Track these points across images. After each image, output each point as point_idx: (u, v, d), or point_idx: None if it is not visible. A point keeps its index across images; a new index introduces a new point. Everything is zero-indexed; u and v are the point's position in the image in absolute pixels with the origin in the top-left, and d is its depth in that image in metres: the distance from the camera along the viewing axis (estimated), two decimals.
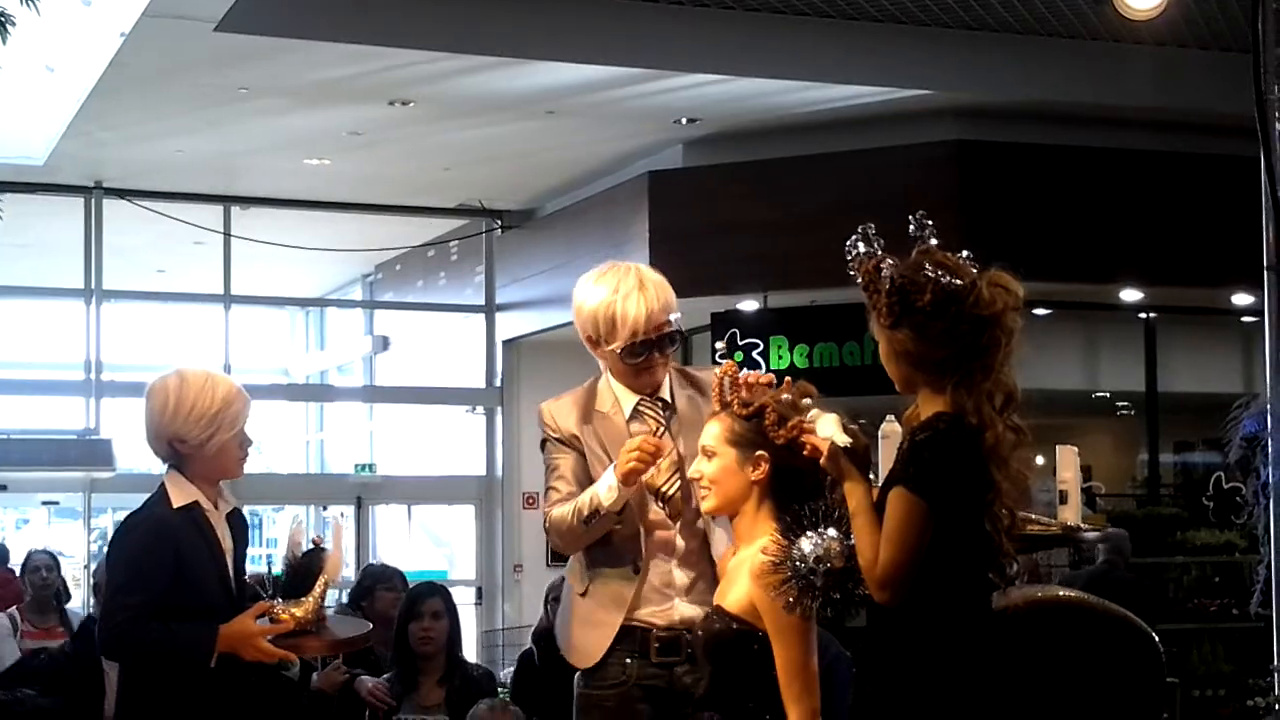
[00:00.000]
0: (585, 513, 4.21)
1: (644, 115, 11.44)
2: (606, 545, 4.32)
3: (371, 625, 5.01)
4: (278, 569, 4.50)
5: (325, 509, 14.84)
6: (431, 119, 11.52)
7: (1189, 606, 11.67)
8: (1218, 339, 13.16)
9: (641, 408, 4.38)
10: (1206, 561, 11.94)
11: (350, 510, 14.35)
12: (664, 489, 4.26)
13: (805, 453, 3.70)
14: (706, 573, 4.30)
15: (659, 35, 10.24)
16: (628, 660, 4.29)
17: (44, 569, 8.12)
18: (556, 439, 4.39)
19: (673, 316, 4.36)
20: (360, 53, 9.96)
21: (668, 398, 4.41)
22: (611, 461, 4.24)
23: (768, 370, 11.81)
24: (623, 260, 4.49)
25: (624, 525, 4.29)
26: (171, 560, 4.20)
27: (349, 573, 10.42)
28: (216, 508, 4.37)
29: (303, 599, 4.29)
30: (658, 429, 4.34)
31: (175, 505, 4.30)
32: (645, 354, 4.32)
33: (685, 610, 4.29)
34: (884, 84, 10.87)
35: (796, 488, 3.75)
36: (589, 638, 4.34)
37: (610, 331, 4.31)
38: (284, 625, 4.24)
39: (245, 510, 4.63)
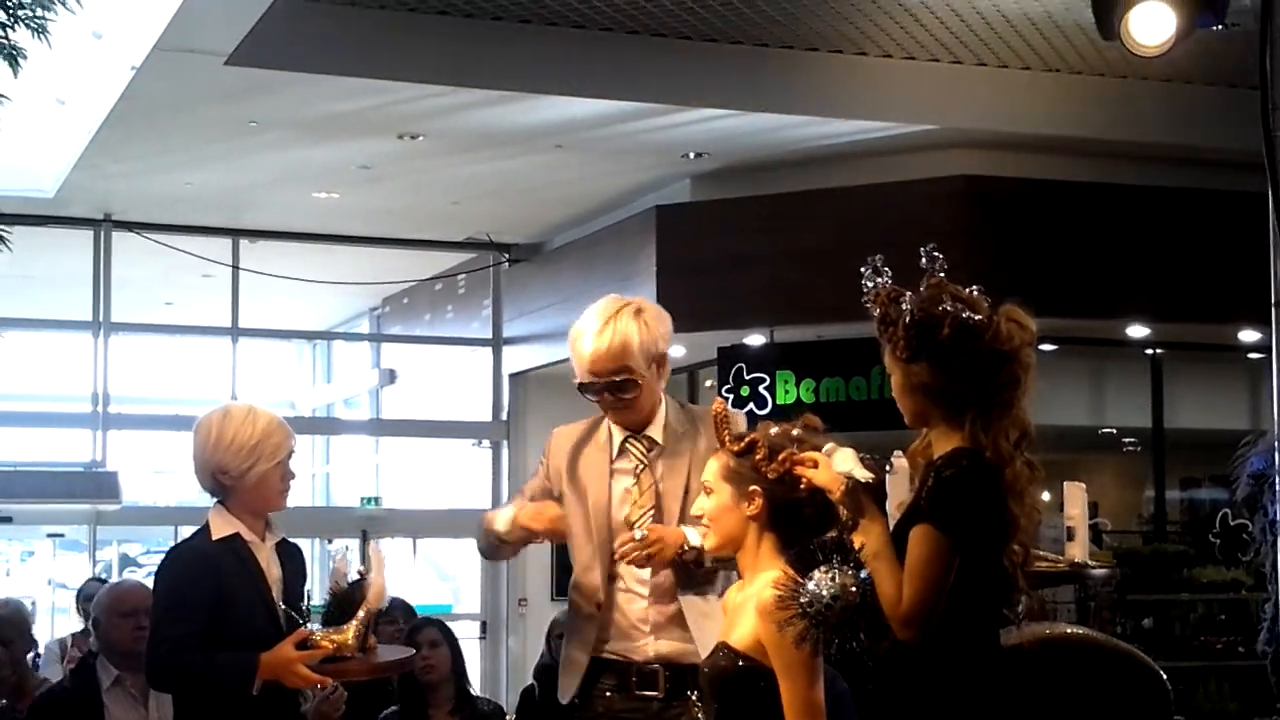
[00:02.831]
0: (484, 529, 4.52)
1: (652, 149, 11.47)
2: (576, 588, 4.46)
3: (415, 651, 5.07)
4: (316, 599, 4.58)
5: (331, 542, 14.83)
6: (440, 153, 11.55)
7: (1195, 644, 11.62)
8: (1225, 375, 13.14)
9: (628, 445, 4.47)
10: (1213, 599, 11.89)
11: (355, 544, 14.33)
12: (638, 524, 4.35)
13: (803, 485, 3.70)
14: (679, 611, 4.38)
15: (667, 70, 10.27)
16: (609, 694, 4.39)
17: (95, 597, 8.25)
18: (543, 462, 4.59)
19: (629, 363, 4.38)
20: (369, 87, 10.00)
21: (656, 435, 4.46)
22: (585, 496, 4.42)
23: (773, 405, 11.90)
24: (629, 295, 4.54)
25: (587, 567, 4.42)
26: (212, 591, 4.31)
27: None
28: (263, 540, 4.49)
29: (343, 626, 4.38)
30: (637, 466, 4.42)
31: (215, 537, 4.42)
32: (595, 395, 4.43)
33: (660, 647, 4.38)
34: (893, 119, 10.90)
35: (796, 521, 3.74)
36: (566, 677, 4.47)
37: (576, 370, 4.45)
38: (323, 651, 4.31)
39: None
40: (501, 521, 4.44)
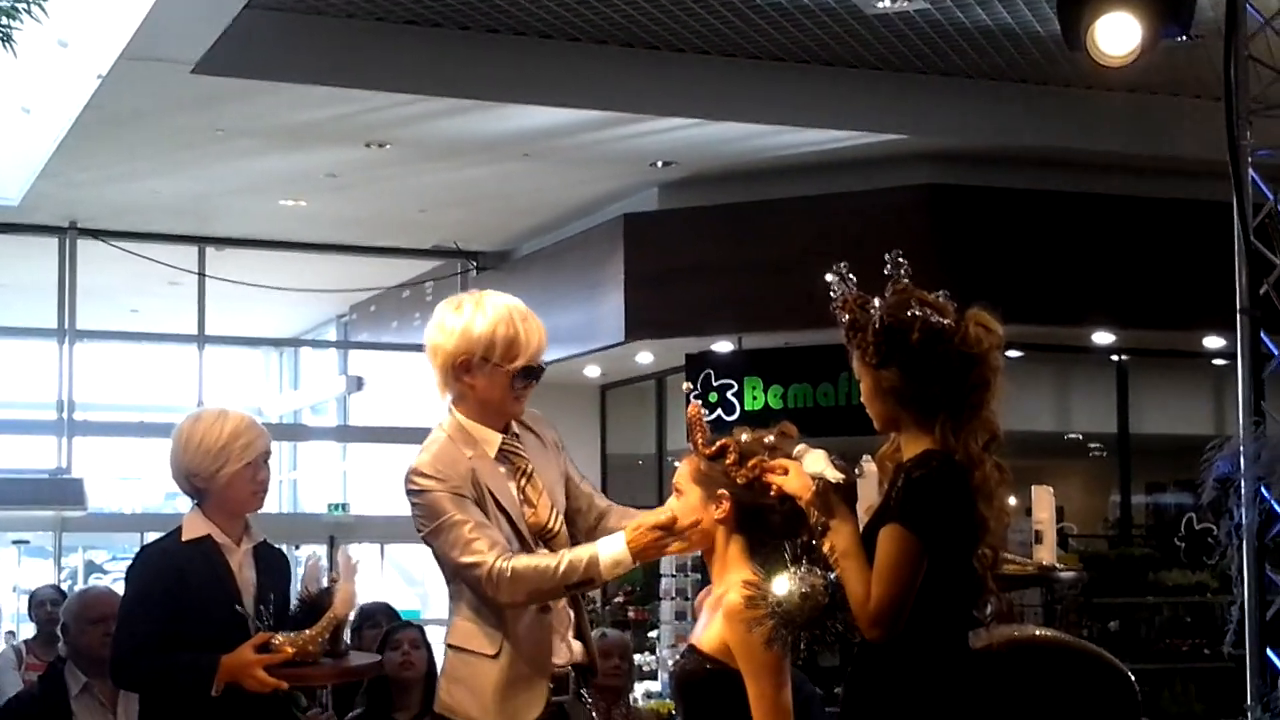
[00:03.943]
0: (575, 579, 4.02)
1: (620, 158, 11.49)
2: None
3: (380, 657, 5.05)
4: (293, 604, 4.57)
5: (299, 548, 14.80)
6: (408, 161, 11.55)
7: (1161, 647, 11.70)
8: (1189, 381, 13.23)
9: (506, 447, 4.25)
10: (1178, 602, 11.97)
11: (324, 550, 14.32)
12: (550, 526, 4.25)
13: (773, 492, 3.72)
14: (579, 612, 4.33)
15: (635, 79, 10.29)
16: None
17: (49, 604, 8.23)
18: (453, 490, 4.11)
19: None
20: (337, 95, 9.99)
21: (518, 433, 4.33)
22: (502, 506, 4.15)
23: (741, 411, 11.93)
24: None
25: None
26: (175, 591, 4.33)
27: None
28: (239, 543, 4.50)
29: (305, 631, 4.36)
30: (527, 465, 4.25)
31: (186, 539, 4.45)
32: (535, 378, 4.26)
33: (575, 647, 4.29)
34: (858, 129, 10.93)
35: (763, 527, 3.77)
36: (522, 696, 4.14)
37: (509, 351, 4.18)
38: (283, 655, 4.30)
39: None
40: (608, 561, 3.99)
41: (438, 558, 4.19)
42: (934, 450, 3.58)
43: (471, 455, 4.18)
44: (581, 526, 4.37)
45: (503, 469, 4.22)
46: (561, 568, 4.01)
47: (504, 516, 4.16)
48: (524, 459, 4.26)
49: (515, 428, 4.31)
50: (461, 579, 4.13)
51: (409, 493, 4.18)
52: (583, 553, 4.05)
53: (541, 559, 4.07)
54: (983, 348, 3.61)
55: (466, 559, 4.05)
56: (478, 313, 4.21)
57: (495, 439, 4.24)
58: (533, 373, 4.23)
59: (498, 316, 4.19)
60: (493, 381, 4.21)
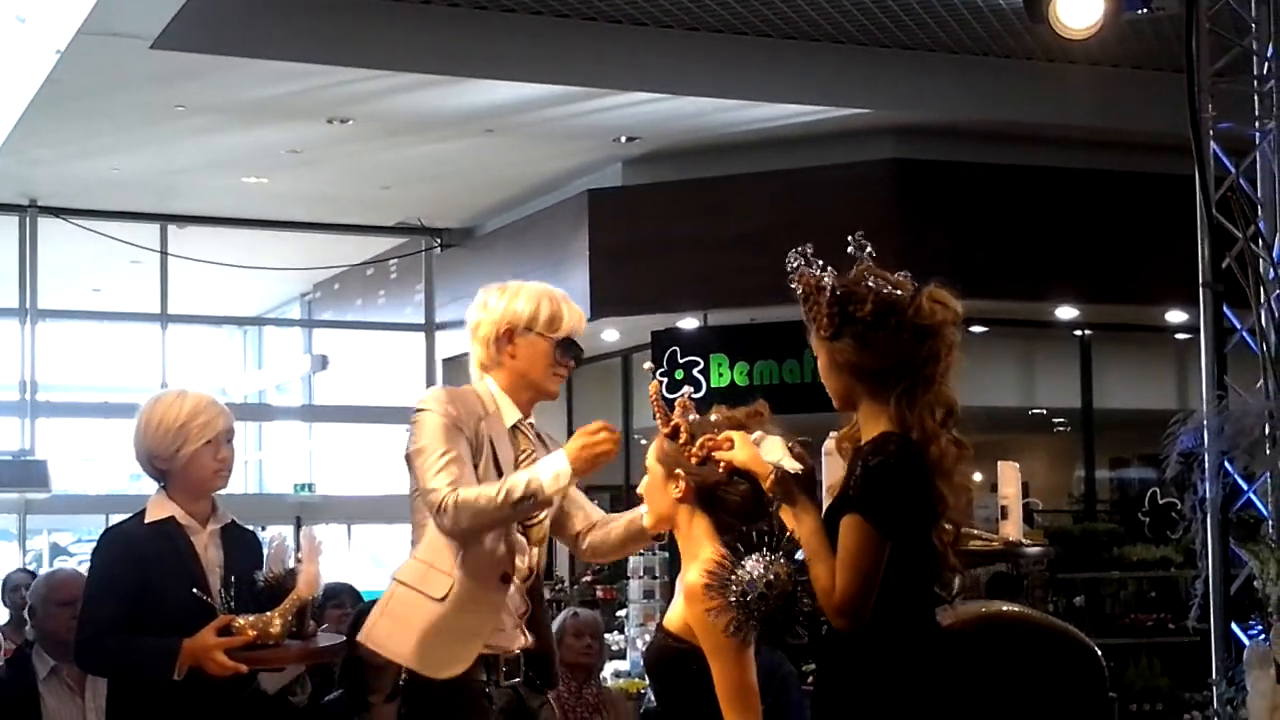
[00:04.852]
0: (518, 495, 4.02)
1: (583, 134, 11.45)
2: (479, 551, 4.17)
3: (345, 639, 5.02)
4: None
5: (265, 529, 14.75)
6: (370, 137, 11.50)
7: (1126, 621, 11.74)
8: (1152, 356, 13.28)
9: (521, 427, 4.32)
10: (1143, 577, 12.01)
11: (289, 531, 14.27)
12: (535, 514, 4.25)
13: (720, 468, 3.71)
14: (536, 602, 4.34)
15: (598, 54, 10.26)
16: (483, 677, 4.22)
17: (22, 588, 8.17)
18: (452, 421, 4.16)
19: None
20: (299, 70, 9.93)
21: (535, 422, 4.39)
22: (498, 464, 4.19)
23: (708, 388, 11.92)
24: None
25: (507, 534, 4.21)
26: (137, 574, 4.30)
27: None
28: (204, 524, 4.46)
29: (267, 613, 4.32)
30: (529, 449, 4.30)
31: (148, 520, 4.42)
32: (574, 357, 4.37)
33: (529, 636, 4.30)
34: (822, 103, 10.93)
35: (722, 506, 3.75)
36: (453, 647, 4.14)
37: (551, 323, 4.31)
38: (243, 638, 4.26)
39: None
40: (549, 480, 4.04)
41: (412, 480, 4.22)
42: (890, 433, 3.55)
43: (490, 413, 4.25)
44: (569, 531, 4.44)
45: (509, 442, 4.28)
46: (503, 490, 4.05)
47: (498, 475, 4.17)
48: (530, 444, 4.32)
49: (533, 430, 4.36)
50: (423, 502, 4.15)
51: (414, 411, 4.23)
52: (521, 474, 4.10)
53: (485, 486, 4.09)
54: (936, 320, 3.60)
55: (429, 484, 4.10)
56: (520, 292, 4.35)
57: (514, 414, 4.32)
58: (573, 348, 4.35)
59: (540, 294, 4.35)
60: (534, 350, 4.31)
